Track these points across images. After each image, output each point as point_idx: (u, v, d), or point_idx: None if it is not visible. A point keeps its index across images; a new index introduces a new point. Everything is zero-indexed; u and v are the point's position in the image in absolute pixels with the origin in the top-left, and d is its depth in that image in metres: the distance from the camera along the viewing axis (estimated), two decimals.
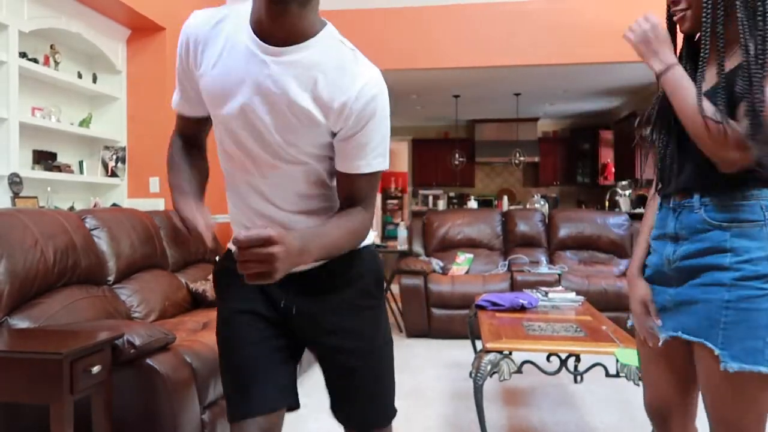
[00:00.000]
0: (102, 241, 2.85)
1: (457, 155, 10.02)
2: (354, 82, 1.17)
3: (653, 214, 1.48)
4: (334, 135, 1.21)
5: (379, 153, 1.24)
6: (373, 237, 1.41)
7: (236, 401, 1.30)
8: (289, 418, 2.88)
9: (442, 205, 10.12)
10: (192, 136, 1.40)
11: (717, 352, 1.25)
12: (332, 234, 1.20)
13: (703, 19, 1.29)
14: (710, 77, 1.31)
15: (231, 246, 1.30)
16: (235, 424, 1.29)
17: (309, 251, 1.11)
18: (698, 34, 1.37)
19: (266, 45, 1.14)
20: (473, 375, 2.47)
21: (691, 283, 1.32)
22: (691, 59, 1.39)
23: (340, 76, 1.17)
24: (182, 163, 1.36)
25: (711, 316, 1.27)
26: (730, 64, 1.27)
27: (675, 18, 1.40)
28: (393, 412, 1.42)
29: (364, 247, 1.36)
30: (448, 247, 5.30)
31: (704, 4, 1.29)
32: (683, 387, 1.44)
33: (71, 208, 4.01)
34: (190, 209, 1.20)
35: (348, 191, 1.27)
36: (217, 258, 4.04)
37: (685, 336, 1.33)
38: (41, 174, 3.77)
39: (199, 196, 1.32)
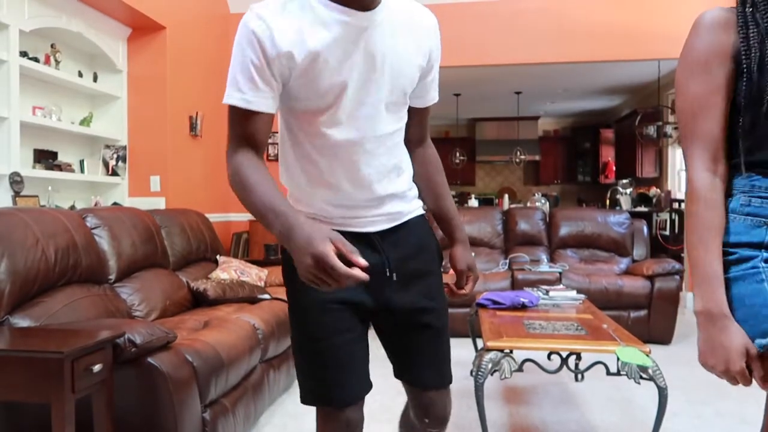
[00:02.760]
0: (103, 240, 2.86)
1: (457, 154, 10.02)
2: (427, 17, 1.37)
3: (721, 213, 1.10)
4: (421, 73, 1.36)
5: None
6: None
7: (338, 388, 1.31)
8: (288, 418, 2.88)
9: None
10: (262, 141, 1.25)
11: None
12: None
13: None
14: None
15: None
16: (338, 411, 1.31)
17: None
18: None
19: (354, 11, 1.19)
20: (474, 373, 2.47)
21: None
22: None
23: (416, 17, 1.33)
24: (260, 179, 1.20)
25: None
26: None
27: None
28: (450, 376, 1.50)
29: (424, 213, 1.49)
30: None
31: None
32: None
33: (72, 207, 4.01)
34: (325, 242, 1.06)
35: (422, 126, 1.49)
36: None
37: None
38: (42, 173, 3.77)
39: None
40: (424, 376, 1.45)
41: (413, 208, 1.45)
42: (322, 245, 1.03)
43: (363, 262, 1.04)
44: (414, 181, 1.48)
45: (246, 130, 1.22)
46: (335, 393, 1.32)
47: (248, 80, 1.19)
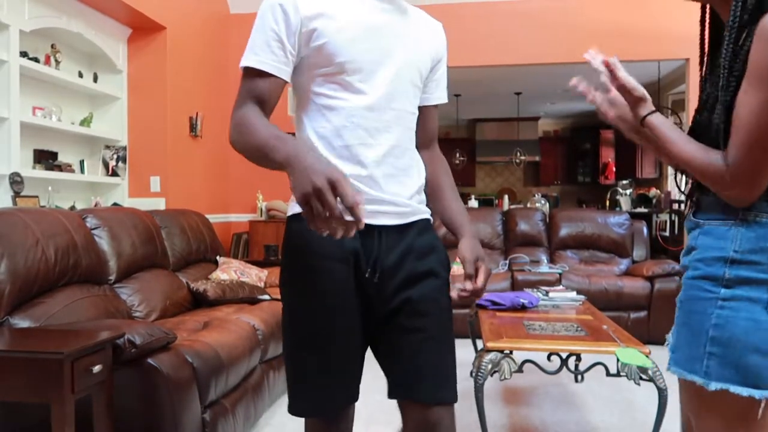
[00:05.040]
0: (103, 241, 2.86)
1: (458, 154, 10.02)
2: (435, 21, 1.47)
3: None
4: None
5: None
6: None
7: (328, 395, 1.29)
8: (288, 419, 2.88)
9: None
10: (269, 103, 1.27)
11: (669, 354, 1.21)
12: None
13: None
14: None
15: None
16: (324, 422, 1.31)
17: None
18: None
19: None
20: (474, 374, 2.47)
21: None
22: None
23: (427, 18, 1.45)
24: (264, 120, 1.23)
25: (674, 317, 1.23)
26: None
27: None
28: (456, 393, 1.32)
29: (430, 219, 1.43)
30: (448, 247, 5.25)
31: None
32: None
33: (72, 208, 4.01)
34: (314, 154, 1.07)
35: (431, 128, 1.50)
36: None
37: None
38: (42, 173, 3.77)
39: None
40: (424, 387, 1.28)
41: (423, 209, 1.40)
42: (340, 172, 0.99)
43: (363, 206, 0.99)
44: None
45: (255, 89, 1.24)
46: (337, 401, 1.30)
47: (265, 44, 1.23)
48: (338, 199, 0.97)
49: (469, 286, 1.34)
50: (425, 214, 1.40)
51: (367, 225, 1.13)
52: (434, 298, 1.34)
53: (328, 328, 1.27)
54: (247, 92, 1.25)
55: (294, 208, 1.31)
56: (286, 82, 1.27)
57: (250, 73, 1.25)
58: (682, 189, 1.29)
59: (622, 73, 1.17)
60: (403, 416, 1.33)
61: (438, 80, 1.46)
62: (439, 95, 1.48)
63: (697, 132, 1.18)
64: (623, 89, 1.18)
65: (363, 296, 1.30)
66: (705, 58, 1.25)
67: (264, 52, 1.23)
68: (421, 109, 1.43)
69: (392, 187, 1.31)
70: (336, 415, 1.32)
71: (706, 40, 1.25)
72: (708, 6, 1.25)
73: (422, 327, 1.30)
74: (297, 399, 1.32)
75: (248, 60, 1.24)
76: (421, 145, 1.46)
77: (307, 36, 1.23)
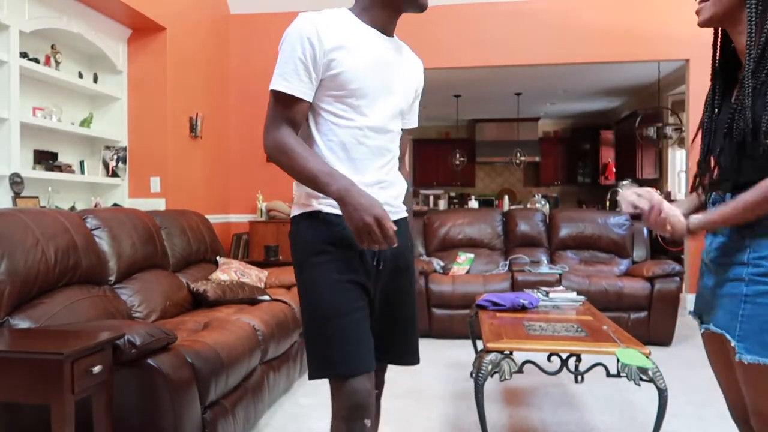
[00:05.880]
0: (103, 241, 2.86)
1: (457, 155, 10.02)
2: (417, 58, 1.71)
3: (693, 198, 1.55)
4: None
5: None
6: None
7: (358, 358, 1.49)
8: (288, 419, 2.88)
9: (442, 204, 10.12)
10: (299, 124, 1.51)
11: (733, 343, 1.30)
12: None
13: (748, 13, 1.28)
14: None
15: (329, 209, 1.50)
16: (359, 377, 1.47)
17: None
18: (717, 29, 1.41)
19: (380, 33, 1.56)
20: (474, 375, 2.47)
21: (721, 278, 1.38)
22: (722, 72, 1.42)
23: (413, 56, 1.70)
24: (308, 149, 1.47)
25: (732, 310, 1.33)
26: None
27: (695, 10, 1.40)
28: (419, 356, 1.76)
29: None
30: (448, 247, 5.30)
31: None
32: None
33: (72, 208, 4.01)
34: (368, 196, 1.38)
35: (404, 147, 1.74)
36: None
37: (713, 329, 1.38)
38: (42, 174, 3.78)
39: None
40: (406, 358, 1.71)
41: (404, 210, 1.69)
42: (383, 210, 1.35)
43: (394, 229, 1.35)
44: None
45: (287, 113, 1.48)
46: (365, 361, 1.49)
47: (294, 72, 1.45)
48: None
49: None
50: (405, 213, 1.70)
51: None
52: (411, 291, 1.72)
53: (361, 298, 1.53)
54: (282, 115, 1.48)
55: (312, 207, 1.53)
56: (310, 102, 1.50)
57: (281, 97, 1.47)
58: (698, 191, 1.47)
59: (666, 207, 1.33)
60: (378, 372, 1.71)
61: (414, 108, 1.74)
62: (413, 120, 1.76)
63: (711, 130, 1.39)
64: (667, 221, 1.33)
65: (367, 277, 1.57)
66: (716, 77, 1.43)
67: (294, 80, 1.45)
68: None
69: (388, 191, 1.59)
70: (371, 370, 1.51)
71: (717, 59, 1.43)
72: (720, 30, 1.41)
73: (405, 314, 1.69)
74: (347, 359, 1.48)
75: (280, 85, 1.46)
76: None
77: (326, 65, 1.46)
